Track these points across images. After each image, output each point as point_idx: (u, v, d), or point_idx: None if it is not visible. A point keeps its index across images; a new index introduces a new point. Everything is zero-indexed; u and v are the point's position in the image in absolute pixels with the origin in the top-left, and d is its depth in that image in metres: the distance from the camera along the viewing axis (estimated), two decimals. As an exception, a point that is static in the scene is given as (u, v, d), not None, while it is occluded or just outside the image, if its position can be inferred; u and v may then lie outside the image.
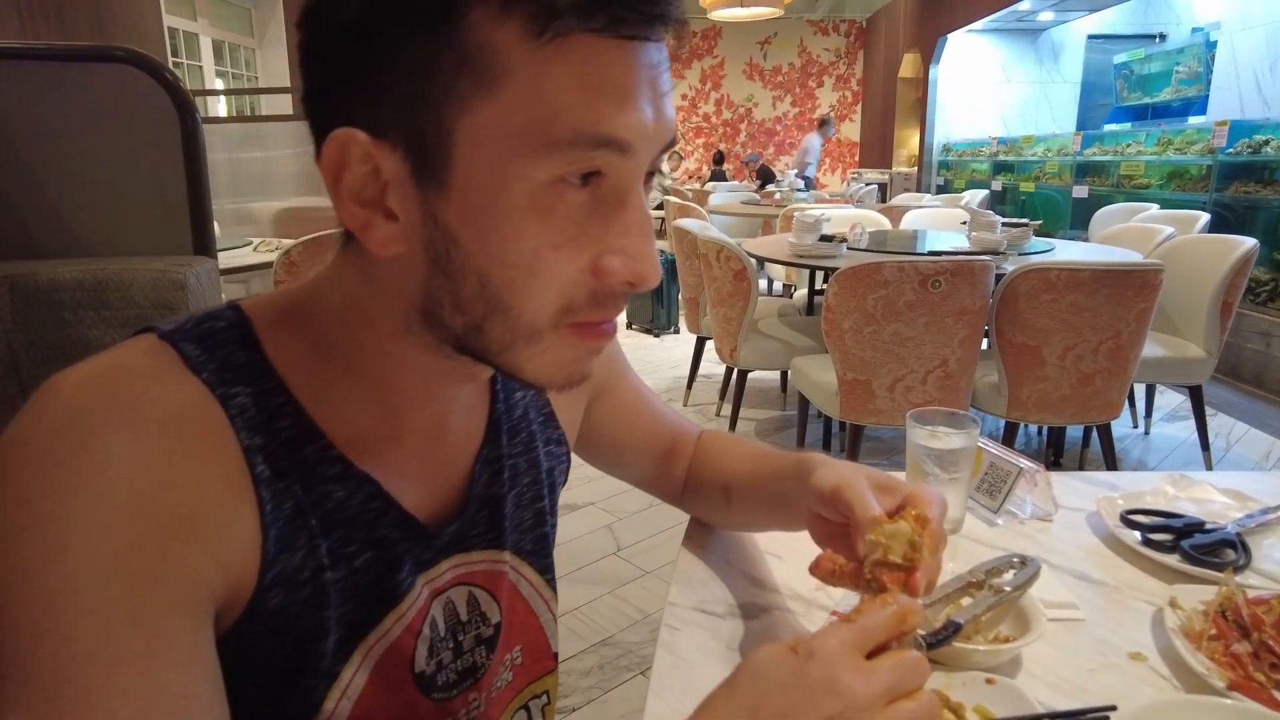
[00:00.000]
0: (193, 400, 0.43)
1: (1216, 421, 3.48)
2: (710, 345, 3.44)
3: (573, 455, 0.78)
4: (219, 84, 5.88)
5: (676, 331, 5.27)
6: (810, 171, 9.68)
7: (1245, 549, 0.79)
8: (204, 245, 1.09)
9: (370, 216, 0.42)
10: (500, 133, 0.39)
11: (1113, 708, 0.57)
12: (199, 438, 0.42)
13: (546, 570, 0.64)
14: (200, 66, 5.54)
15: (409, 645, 0.53)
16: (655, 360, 4.64)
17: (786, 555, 0.82)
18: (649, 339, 5.16)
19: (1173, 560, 0.79)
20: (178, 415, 0.41)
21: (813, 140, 10.05)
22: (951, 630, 0.59)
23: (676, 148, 8.52)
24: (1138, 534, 0.84)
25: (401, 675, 0.52)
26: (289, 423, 0.46)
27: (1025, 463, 0.89)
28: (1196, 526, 0.83)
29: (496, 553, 0.59)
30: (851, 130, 12.44)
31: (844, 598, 0.74)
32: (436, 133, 0.40)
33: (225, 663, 0.42)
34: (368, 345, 0.48)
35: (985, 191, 6.76)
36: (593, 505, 2.71)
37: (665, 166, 9.54)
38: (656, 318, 5.18)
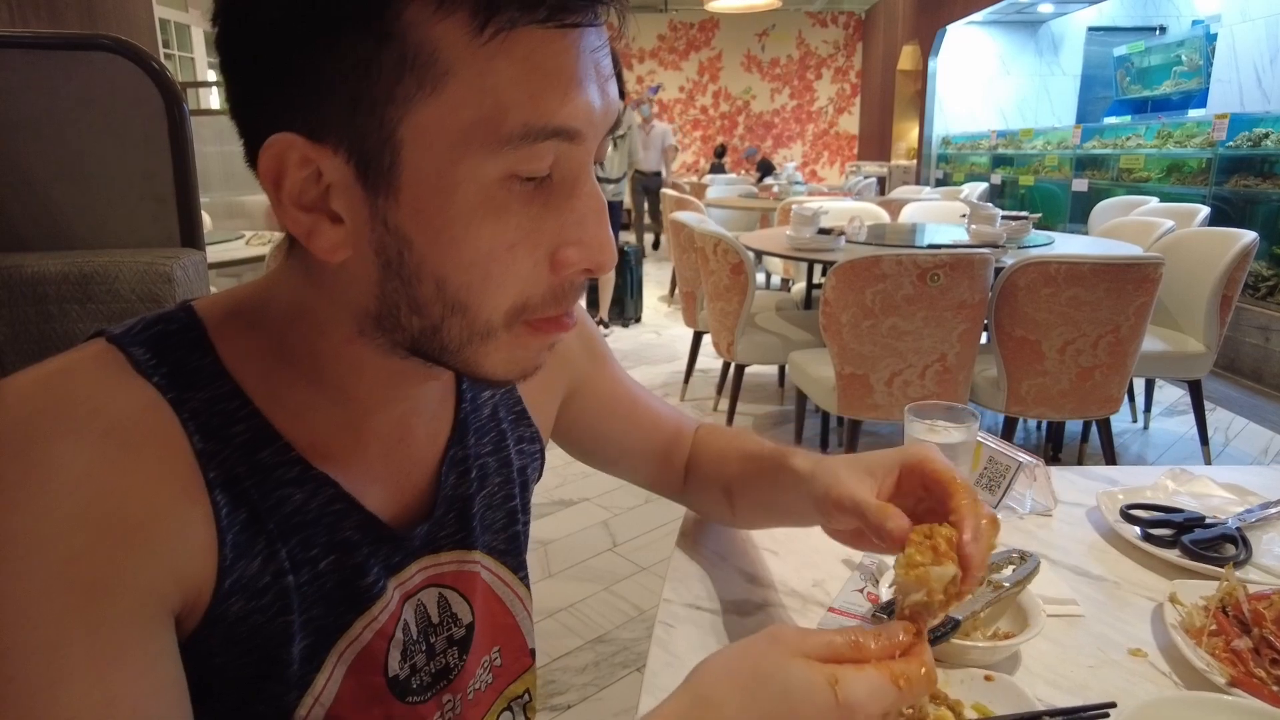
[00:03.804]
0: (141, 405, 0.41)
1: (1215, 416, 3.48)
2: (707, 339, 3.43)
3: (576, 457, 0.77)
4: (211, 76, 5.85)
5: (639, 320, 5.41)
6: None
7: (1246, 544, 0.79)
8: (192, 237, 1.08)
9: (315, 221, 0.41)
10: (448, 131, 0.38)
11: (1112, 704, 0.56)
12: (147, 444, 0.40)
13: (520, 569, 0.64)
14: (192, 58, 5.50)
15: (381, 649, 0.52)
16: (652, 354, 4.63)
17: (782, 551, 0.81)
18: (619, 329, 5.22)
19: (1173, 555, 0.78)
20: (123, 421, 0.40)
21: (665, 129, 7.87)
22: (950, 626, 0.58)
23: (674, 140, 8.39)
24: (1138, 529, 0.83)
25: (375, 680, 0.52)
26: (244, 426, 0.45)
27: (1025, 457, 0.88)
28: (1197, 521, 0.82)
29: (465, 553, 0.58)
30: (850, 123, 12.41)
31: (841, 594, 0.74)
32: (380, 134, 0.38)
33: (191, 670, 0.41)
34: (322, 350, 0.47)
35: (984, 185, 6.75)
36: (588, 501, 2.70)
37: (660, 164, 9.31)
38: (626, 310, 5.31)
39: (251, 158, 0.42)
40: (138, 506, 0.39)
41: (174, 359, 0.44)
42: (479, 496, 0.59)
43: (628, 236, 7.23)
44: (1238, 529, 0.80)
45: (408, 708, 0.54)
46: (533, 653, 0.66)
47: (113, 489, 0.39)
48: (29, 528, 0.37)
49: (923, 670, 0.42)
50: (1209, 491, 0.91)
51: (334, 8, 0.37)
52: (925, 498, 0.55)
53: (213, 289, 1.28)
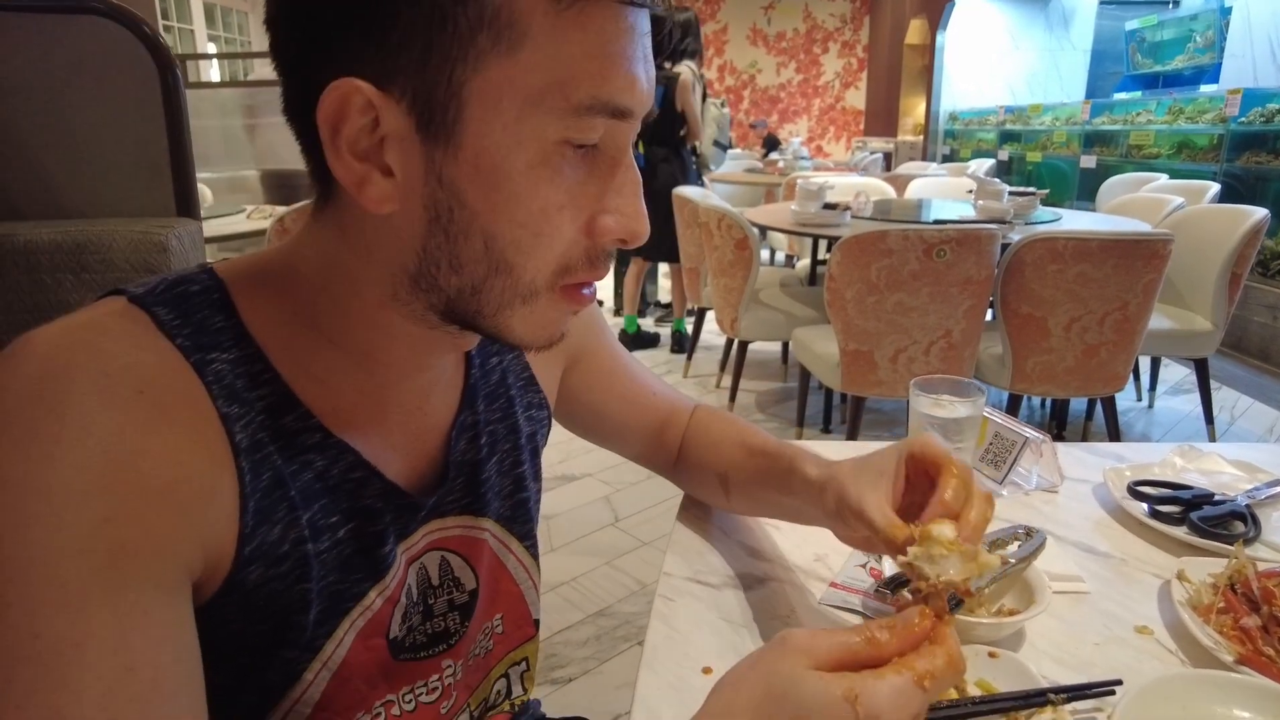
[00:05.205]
0: (168, 366, 0.41)
1: (1221, 395, 3.46)
2: (710, 316, 3.41)
3: (570, 429, 0.77)
4: (211, 48, 5.78)
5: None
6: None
7: (1255, 521, 0.78)
8: (187, 206, 1.06)
9: (368, 172, 0.41)
10: (516, 93, 0.39)
11: (1118, 682, 0.55)
12: (176, 405, 0.40)
13: (527, 537, 0.63)
14: (192, 30, 5.43)
15: (387, 614, 0.52)
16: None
17: (785, 526, 0.80)
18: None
19: (1181, 532, 0.77)
20: (154, 381, 0.40)
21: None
22: (954, 603, 0.57)
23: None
24: (1145, 506, 0.82)
25: (378, 642, 0.52)
26: (267, 390, 0.45)
27: (1031, 433, 0.87)
28: (1205, 498, 0.81)
29: (473, 519, 0.58)
30: (857, 98, 12.26)
31: (844, 569, 0.73)
32: (447, 88, 0.39)
33: (203, 636, 0.41)
34: (353, 314, 0.46)
35: (991, 161, 6.67)
36: (590, 476, 2.70)
37: None
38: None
39: (298, 107, 0.42)
40: (170, 470, 0.39)
41: (197, 320, 0.43)
42: (489, 463, 0.59)
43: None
44: (1247, 506, 0.79)
45: (401, 664, 0.54)
46: (536, 623, 0.66)
47: (146, 451, 0.38)
48: (63, 484, 0.36)
49: (946, 660, 0.39)
50: (1218, 468, 0.89)
51: None
52: (933, 486, 0.54)
53: (207, 260, 1.27)
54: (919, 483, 0.56)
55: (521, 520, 0.62)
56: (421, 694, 0.56)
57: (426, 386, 0.54)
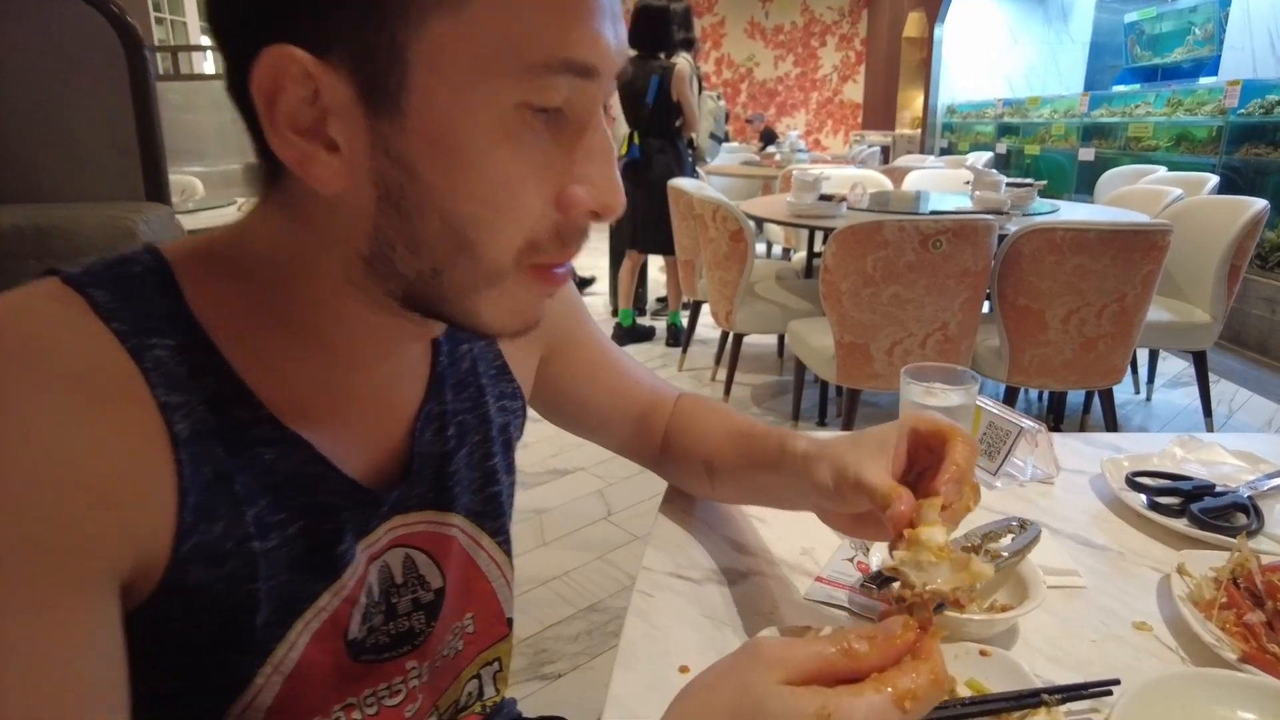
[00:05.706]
0: (102, 352, 0.38)
1: (1219, 388, 3.44)
2: (706, 309, 3.38)
3: (550, 420, 0.74)
4: (205, 41, 5.73)
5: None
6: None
7: (1258, 513, 0.75)
8: (157, 191, 1.03)
9: (310, 148, 0.38)
10: (465, 53, 0.36)
11: (1116, 681, 0.53)
12: (111, 396, 0.37)
13: (499, 533, 0.60)
14: (184, 22, 5.39)
15: (345, 614, 0.49)
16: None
17: (770, 519, 0.78)
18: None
19: (1181, 525, 0.75)
20: (87, 370, 0.37)
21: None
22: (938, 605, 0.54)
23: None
24: (1144, 497, 0.79)
25: (336, 645, 0.49)
26: (212, 379, 0.41)
27: (1026, 422, 0.84)
28: (1206, 489, 0.79)
29: (440, 514, 0.55)
30: (855, 91, 12.21)
31: (830, 563, 0.70)
32: (389, 51, 0.36)
33: (143, 639, 0.38)
34: (308, 299, 0.43)
35: (989, 154, 6.64)
36: (583, 470, 2.68)
37: None
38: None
39: (236, 80, 0.38)
40: (103, 465, 0.36)
41: (138, 304, 0.40)
42: (458, 455, 0.56)
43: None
44: (1249, 497, 0.77)
45: (363, 666, 0.51)
46: (509, 622, 0.63)
47: (78, 446, 0.36)
48: None
49: (930, 678, 0.36)
50: (1219, 459, 0.87)
51: None
52: (933, 461, 0.52)
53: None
54: (921, 459, 0.53)
55: (493, 515, 0.60)
56: (384, 697, 0.53)
57: (390, 376, 0.51)
